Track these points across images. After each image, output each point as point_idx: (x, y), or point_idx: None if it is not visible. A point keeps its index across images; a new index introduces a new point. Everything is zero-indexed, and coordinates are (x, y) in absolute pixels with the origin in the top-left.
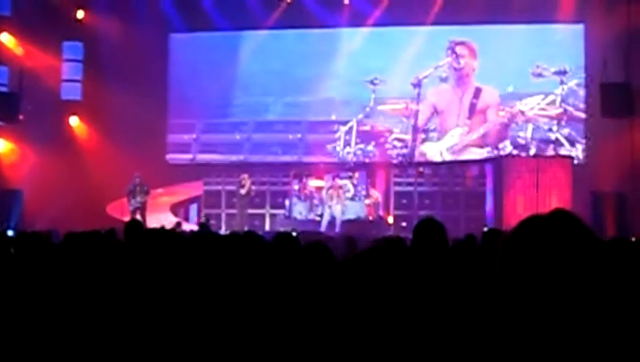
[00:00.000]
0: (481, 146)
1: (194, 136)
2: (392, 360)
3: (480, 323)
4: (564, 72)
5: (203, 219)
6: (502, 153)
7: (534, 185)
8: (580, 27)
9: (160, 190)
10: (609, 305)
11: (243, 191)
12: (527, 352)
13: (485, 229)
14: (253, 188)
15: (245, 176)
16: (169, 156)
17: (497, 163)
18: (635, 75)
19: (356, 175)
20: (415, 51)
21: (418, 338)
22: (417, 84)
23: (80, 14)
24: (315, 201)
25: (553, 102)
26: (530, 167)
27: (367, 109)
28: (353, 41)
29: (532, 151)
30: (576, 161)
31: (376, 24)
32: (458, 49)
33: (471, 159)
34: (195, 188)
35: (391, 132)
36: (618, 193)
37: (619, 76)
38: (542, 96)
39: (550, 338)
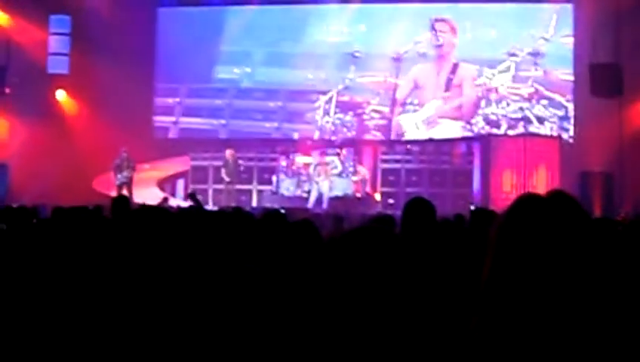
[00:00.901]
0: (455, 119)
1: (177, 99)
2: (376, 338)
3: (472, 307)
4: (537, 54)
5: (190, 191)
6: (474, 128)
7: (522, 164)
8: (569, 6)
9: (146, 165)
10: (609, 287)
11: (227, 178)
12: (525, 336)
13: (472, 208)
14: (241, 162)
15: (231, 151)
16: (155, 118)
17: (485, 141)
18: (623, 55)
19: (343, 151)
20: (399, 27)
21: (403, 318)
22: (398, 59)
23: None
24: (303, 178)
25: (525, 81)
26: (518, 146)
27: (347, 81)
28: (339, 17)
29: (503, 128)
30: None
31: (363, 0)
32: (438, 25)
33: (458, 137)
34: (182, 164)
35: (369, 103)
36: (605, 173)
37: (608, 56)
38: (513, 74)
39: (550, 319)
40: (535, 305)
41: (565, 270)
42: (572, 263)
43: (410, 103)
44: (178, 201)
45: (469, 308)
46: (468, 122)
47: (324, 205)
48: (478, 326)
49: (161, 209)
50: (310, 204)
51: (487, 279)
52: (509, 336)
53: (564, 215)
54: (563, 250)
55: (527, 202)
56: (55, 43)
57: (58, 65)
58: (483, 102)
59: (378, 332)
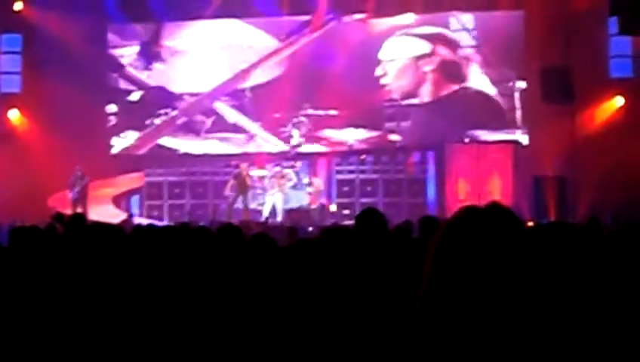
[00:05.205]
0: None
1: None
2: (328, 342)
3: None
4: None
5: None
6: None
7: (476, 170)
8: (520, 13)
9: (100, 181)
10: (546, 300)
11: (228, 192)
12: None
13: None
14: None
15: (244, 165)
16: (109, 134)
17: (439, 149)
18: (574, 59)
19: (298, 163)
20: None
21: (348, 322)
22: None
23: (18, 6)
24: (258, 191)
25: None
26: (472, 153)
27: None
28: (294, 31)
29: None
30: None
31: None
32: None
33: (412, 145)
34: (137, 180)
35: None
36: (559, 177)
37: (558, 61)
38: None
39: (481, 335)
40: (468, 319)
41: (498, 282)
42: (505, 275)
43: None
44: (138, 219)
45: (409, 319)
46: None
47: (278, 217)
48: (417, 340)
49: (114, 226)
50: (263, 217)
51: (424, 292)
52: (444, 350)
53: (498, 228)
54: (496, 262)
55: (463, 215)
56: (6, 62)
57: (10, 84)
58: None
59: (328, 335)
